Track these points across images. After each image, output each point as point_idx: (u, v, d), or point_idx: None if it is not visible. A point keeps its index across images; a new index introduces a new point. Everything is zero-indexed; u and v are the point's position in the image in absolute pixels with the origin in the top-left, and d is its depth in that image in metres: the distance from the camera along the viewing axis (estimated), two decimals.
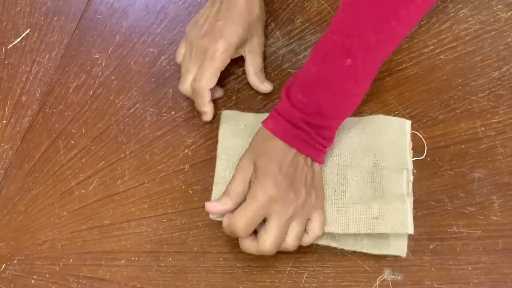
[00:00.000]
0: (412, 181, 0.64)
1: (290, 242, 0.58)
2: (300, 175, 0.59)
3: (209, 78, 0.66)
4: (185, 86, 0.67)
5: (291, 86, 0.59)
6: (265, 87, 0.70)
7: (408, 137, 0.65)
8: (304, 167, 0.59)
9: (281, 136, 0.58)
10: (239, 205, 0.58)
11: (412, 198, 0.63)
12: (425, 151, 0.66)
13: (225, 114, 0.69)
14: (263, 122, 0.61)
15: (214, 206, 0.59)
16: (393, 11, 0.55)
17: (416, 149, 0.65)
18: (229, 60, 0.66)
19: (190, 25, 0.69)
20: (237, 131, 0.67)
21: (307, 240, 0.60)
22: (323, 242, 0.62)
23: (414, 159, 0.65)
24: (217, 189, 0.64)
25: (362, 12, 0.55)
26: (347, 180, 0.63)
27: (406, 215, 0.60)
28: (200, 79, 0.65)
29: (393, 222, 0.60)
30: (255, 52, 0.69)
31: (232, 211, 0.59)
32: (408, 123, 0.66)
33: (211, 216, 0.62)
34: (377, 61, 0.59)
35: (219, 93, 0.71)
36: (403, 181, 0.63)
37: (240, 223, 0.57)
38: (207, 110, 0.68)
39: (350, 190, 0.63)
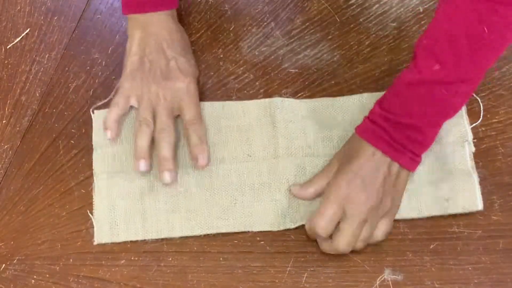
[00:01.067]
0: (474, 151, 0.64)
1: (357, 243, 0.59)
2: (378, 179, 0.58)
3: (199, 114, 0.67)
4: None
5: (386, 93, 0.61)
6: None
7: (464, 106, 0.65)
8: (385, 171, 0.59)
9: (362, 135, 0.60)
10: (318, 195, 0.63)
11: (475, 170, 0.63)
12: (481, 113, 0.67)
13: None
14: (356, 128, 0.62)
15: (301, 191, 0.63)
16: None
17: None
18: None
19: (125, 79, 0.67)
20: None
21: (370, 241, 0.61)
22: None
23: (472, 126, 0.65)
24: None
25: (455, 19, 0.54)
26: None
27: (475, 192, 0.62)
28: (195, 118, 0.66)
29: (465, 200, 0.62)
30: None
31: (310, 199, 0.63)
32: None
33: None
34: (470, 70, 0.56)
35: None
36: (466, 155, 0.63)
37: (320, 222, 0.59)
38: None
39: (417, 173, 0.63)
